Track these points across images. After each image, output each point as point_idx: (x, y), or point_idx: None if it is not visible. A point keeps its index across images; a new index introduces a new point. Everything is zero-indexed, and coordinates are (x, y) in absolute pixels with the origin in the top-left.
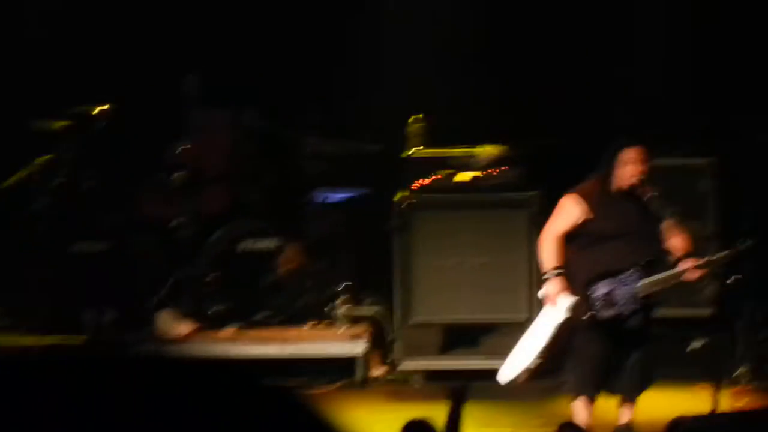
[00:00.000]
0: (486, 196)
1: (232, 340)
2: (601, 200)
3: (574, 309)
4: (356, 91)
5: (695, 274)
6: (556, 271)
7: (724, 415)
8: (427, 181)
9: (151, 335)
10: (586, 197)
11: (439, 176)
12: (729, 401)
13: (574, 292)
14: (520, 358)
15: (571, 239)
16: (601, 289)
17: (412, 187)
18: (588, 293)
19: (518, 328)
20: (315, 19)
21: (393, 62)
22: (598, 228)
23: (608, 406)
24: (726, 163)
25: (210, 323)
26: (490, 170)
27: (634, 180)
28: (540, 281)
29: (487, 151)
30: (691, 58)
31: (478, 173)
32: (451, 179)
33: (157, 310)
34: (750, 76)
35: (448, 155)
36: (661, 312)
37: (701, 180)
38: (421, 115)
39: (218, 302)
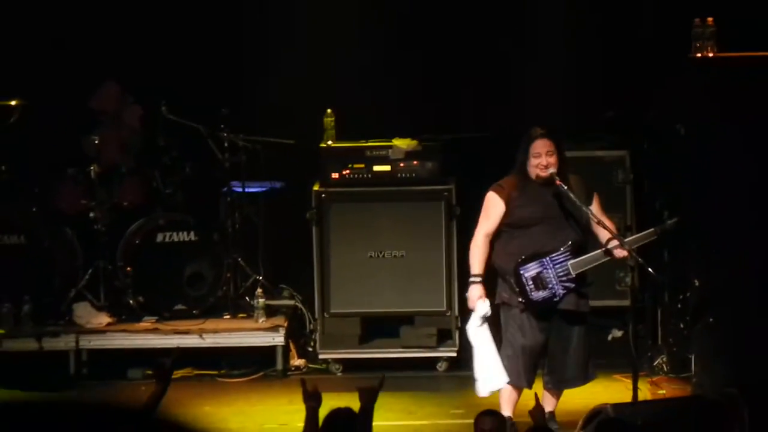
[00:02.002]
0: (402, 188)
1: (150, 331)
2: (520, 190)
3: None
4: (270, 83)
5: (623, 252)
6: (477, 278)
7: (644, 403)
8: (344, 173)
9: (68, 327)
10: (506, 189)
11: (356, 168)
12: (649, 390)
13: (506, 279)
14: (488, 369)
15: (500, 231)
16: (530, 271)
17: (330, 179)
18: (518, 277)
19: (436, 319)
20: (226, 12)
21: (307, 55)
22: (521, 216)
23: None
24: (643, 155)
25: (128, 315)
26: (406, 162)
27: (543, 171)
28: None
29: (403, 143)
30: (601, 51)
31: (394, 165)
32: (368, 171)
33: (75, 302)
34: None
35: (364, 147)
36: None
37: (618, 172)
38: (330, 110)
39: (136, 294)
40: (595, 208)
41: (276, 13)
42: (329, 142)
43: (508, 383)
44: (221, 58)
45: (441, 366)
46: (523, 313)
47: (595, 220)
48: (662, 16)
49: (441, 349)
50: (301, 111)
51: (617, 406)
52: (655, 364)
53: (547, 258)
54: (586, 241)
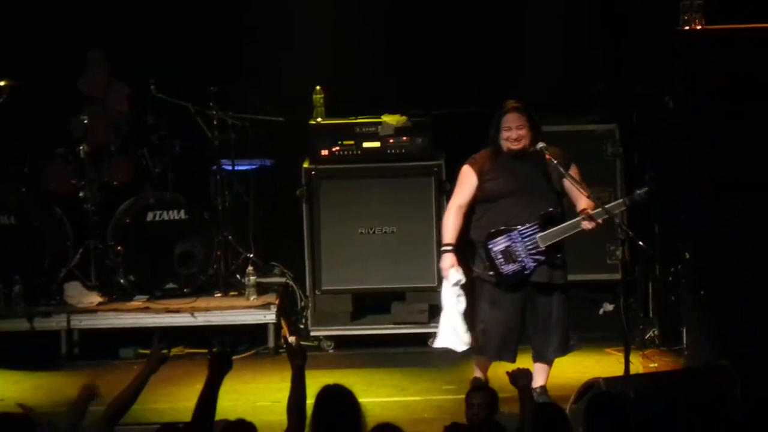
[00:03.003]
0: (392, 164)
1: (141, 310)
2: (493, 163)
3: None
4: (259, 61)
5: (591, 224)
6: (448, 247)
7: (636, 377)
8: (333, 150)
9: (59, 307)
10: (479, 162)
11: (345, 145)
12: (641, 363)
13: (478, 253)
14: (450, 328)
15: (474, 205)
16: (499, 245)
17: (320, 156)
18: (488, 251)
19: (427, 295)
20: None
21: (296, 31)
22: (491, 189)
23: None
24: (632, 128)
25: (119, 294)
26: (395, 139)
27: (513, 144)
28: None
29: (393, 119)
30: (590, 24)
31: (383, 142)
32: (358, 148)
33: (66, 282)
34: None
35: (353, 124)
36: (574, 276)
37: (608, 146)
38: (319, 87)
39: (127, 273)
40: (571, 178)
41: None
42: (318, 119)
43: (487, 357)
44: (210, 36)
45: (432, 342)
46: (496, 286)
47: (571, 193)
48: None
49: (432, 324)
50: (290, 88)
51: (609, 380)
52: (646, 337)
53: (516, 231)
54: (559, 213)
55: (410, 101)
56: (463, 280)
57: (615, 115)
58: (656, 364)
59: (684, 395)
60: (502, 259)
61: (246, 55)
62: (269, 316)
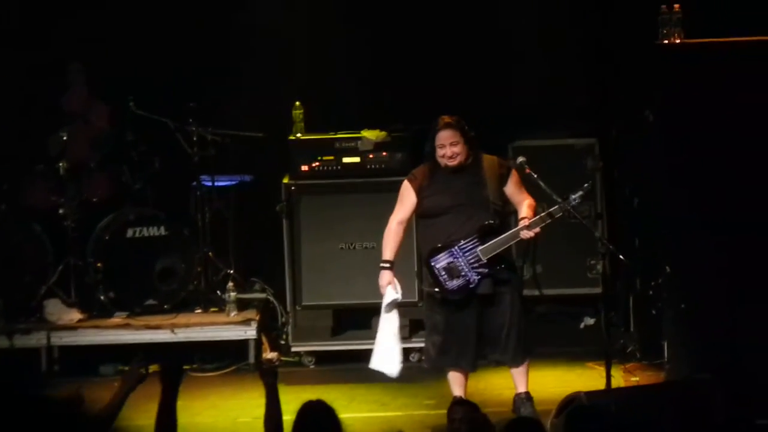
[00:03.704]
0: (372, 179)
1: (121, 327)
2: (431, 179)
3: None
4: (239, 76)
5: (530, 233)
6: (386, 264)
7: (617, 390)
8: (313, 165)
9: (39, 324)
10: (418, 179)
11: (325, 160)
12: (622, 377)
13: (422, 269)
14: (381, 348)
15: (418, 221)
16: (441, 262)
17: (300, 171)
18: (431, 268)
19: (408, 310)
20: (194, 5)
21: (276, 47)
22: (429, 206)
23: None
24: (612, 142)
25: (99, 311)
26: (375, 154)
27: (448, 161)
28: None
29: (372, 134)
30: (571, 39)
31: (363, 157)
32: (337, 163)
33: (46, 299)
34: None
35: (333, 139)
36: (554, 290)
37: (588, 160)
38: (298, 102)
39: (107, 290)
40: (511, 187)
41: (243, 5)
42: (298, 135)
43: (453, 365)
44: (189, 51)
45: (414, 357)
46: (445, 302)
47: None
48: (630, 1)
49: (414, 340)
50: (269, 104)
51: (591, 394)
52: (627, 351)
53: (456, 247)
54: (499, 225)
55: (390, 116)
56: (399, 299)
57: (595, 130)
58: (638, 378)
59: (666, 409)
60: (446, 275)
61: (225, 70)
62: (250, 332)
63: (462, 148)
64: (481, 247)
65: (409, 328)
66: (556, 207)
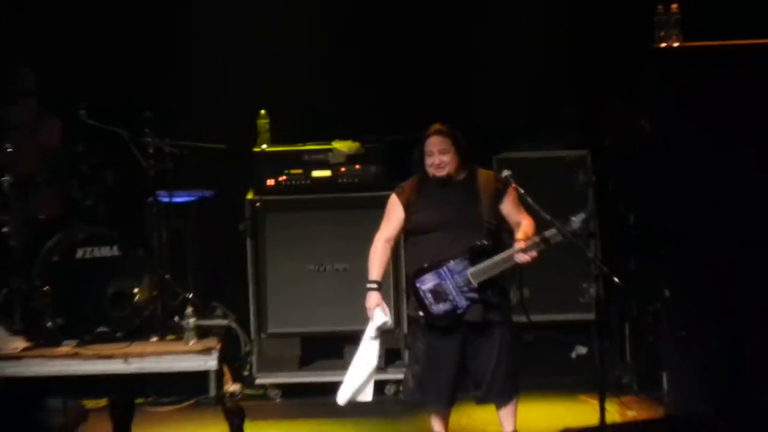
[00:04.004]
0: (344, 195)
1: (70, 356)
2: (419, 192)
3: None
4: (199, 83)
5: (525, 257)
6: (373, 285)
7: (612, 427)
8: (280, 179)
9: None
10: (406, 192)
11: (293, 174)
12: (617, 411)
13: (407, 290)
14: (357, 379)
15: (405, 238)
16: (428, 283)
17: (265, 186)
18: (416, 290)
19: (384, 338)
20: (151, 13)
21: (240, 52)
22: (419, 221)
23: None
24: (606, 154)
25: (46, 339)
26: (348, 167)
27: (437, 170)
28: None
29: (344, 145)
30: (558, 44)
31: (334, 170)
32: (306, 177)
33: None
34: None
35: (301, 151)
36: (543, 317)
37: (579, 174)
38: (264, 111)
39: (55, 316)
40: (508, 205)
41: (206, 9)
42: (263, 146)
43: (429, 404)
44: (146, 57)
45: (390, 389)
46: (429, 327)
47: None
48: (625, 2)
49: (390, 370)
50: (233, 113)
51: (584, 431)
52: (623, 382)
53: (444, 268)
54: (492, 246)
55: (364, 126)
56: (390, 323)
57: (587, 140)
58: (634, 412)
59: None
60: (431, 298)
61: (186, 77)
62: (210, 363)
63: (452, 157)
64: (471, 270)
65: (385, 357)
66: (553, 231)
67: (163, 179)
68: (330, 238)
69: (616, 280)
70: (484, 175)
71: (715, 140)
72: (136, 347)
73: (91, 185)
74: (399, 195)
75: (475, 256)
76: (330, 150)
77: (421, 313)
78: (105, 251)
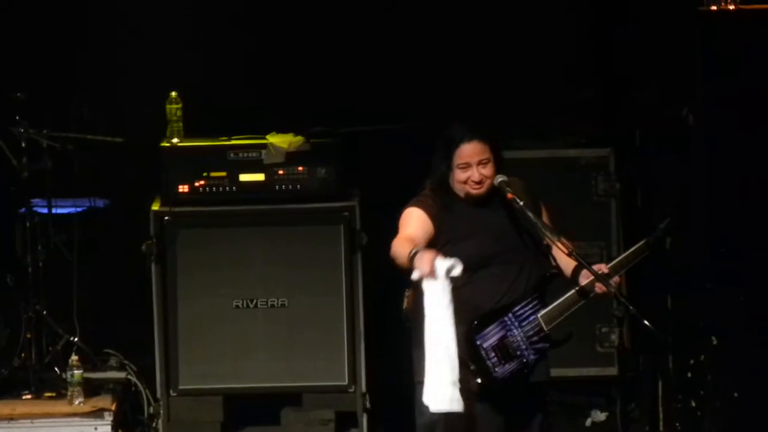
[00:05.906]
0: (283, 207)
1: None
2: (452, 214)
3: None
4: (95, 57)
5: (610, 284)
6: (416, 249)
7: None
8: (196, 184)
9: None
10: (432, 208)
11: (214, 178)
12: None
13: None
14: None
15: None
16: (490, 339)
17: (176, 194)
18: (476, 350)
19: (334, 398)
20: None
21: (148, 18)
22: (468, 254)
23: None
24: (635, 154)
25: None
26: (287, 169)
27: (476, 189)
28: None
29: (284, 141)
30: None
31: (270, 173)
32: (232, 182)
33: None
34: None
35: (226, 147)
36: (551, 371)
37: (599, 180)
38: (175, 93)
39: None
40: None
41: None
42: (175, 140)
43: None
44: (18, 18)
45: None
46: (479, 396)
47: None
48: None
49: None
50: (136, 96)
51: None
52: None
53: (510, 314)
54: (556, 275)
55: (310, 115)
56: (460, 268)
57: (609, 135)
58: None
59: None
60: (495, 359)
61: (74, 46)
62: (102, 429)
63: (492, 170)
64: (542, 312)
65: (335, 424)
66: (641, 243)
67: (41, 183)
68: (263, 264)
69: (646, 323)
70: (517, 183)
71: None
72: (4, 408)
73: None
74: (423, 207)
75: (544, 293)
76: (264, 146)
77: (478, 380)
78: None
